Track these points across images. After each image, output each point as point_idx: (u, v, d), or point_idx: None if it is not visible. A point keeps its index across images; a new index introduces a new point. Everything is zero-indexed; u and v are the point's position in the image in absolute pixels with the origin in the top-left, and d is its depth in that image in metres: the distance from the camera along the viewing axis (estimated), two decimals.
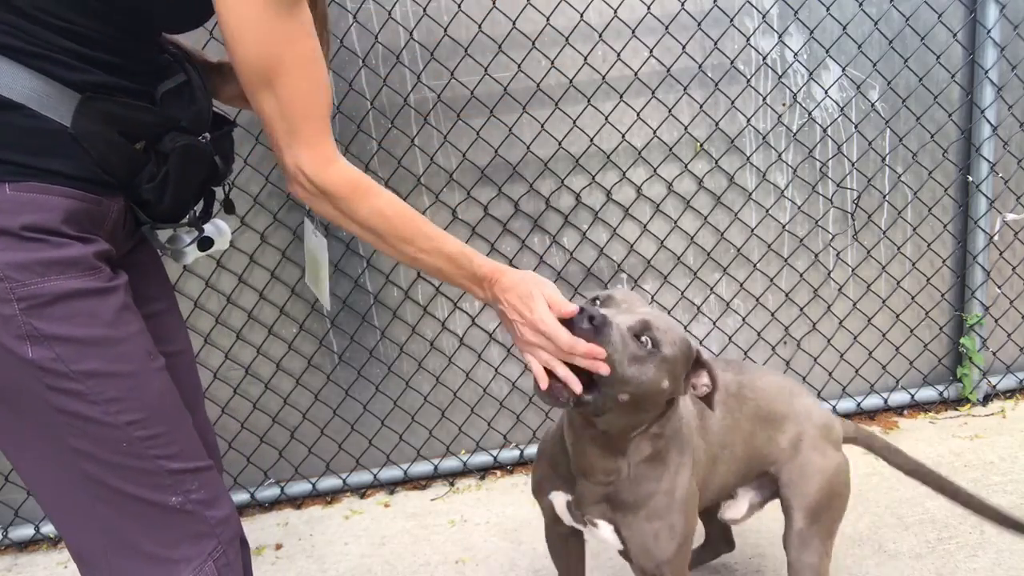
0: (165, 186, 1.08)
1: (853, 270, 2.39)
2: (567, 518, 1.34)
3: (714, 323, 2.37)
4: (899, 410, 2.47)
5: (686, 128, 2.20)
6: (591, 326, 1.09)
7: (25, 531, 2.26)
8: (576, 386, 1.10)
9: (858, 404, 2.45)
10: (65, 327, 0.97)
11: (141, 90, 1.05)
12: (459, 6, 2.04)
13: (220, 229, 1.26)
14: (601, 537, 1.30)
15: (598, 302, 1.23)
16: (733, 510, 1.51)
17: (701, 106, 2.19)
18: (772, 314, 2.39)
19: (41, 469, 1.04)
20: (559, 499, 1.33)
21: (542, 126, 2.15)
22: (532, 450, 2.38)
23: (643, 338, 1.14)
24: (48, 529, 2.27)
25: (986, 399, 2.49)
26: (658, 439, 1.24)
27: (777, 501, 1.50)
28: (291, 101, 1.04)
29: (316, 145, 1.08)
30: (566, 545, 1.51)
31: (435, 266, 1.16)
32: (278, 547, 2.13)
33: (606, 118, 2.16)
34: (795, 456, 1.47)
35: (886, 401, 2.46)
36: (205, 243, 1.22)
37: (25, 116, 0.96)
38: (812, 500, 1.45)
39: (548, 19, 2.05)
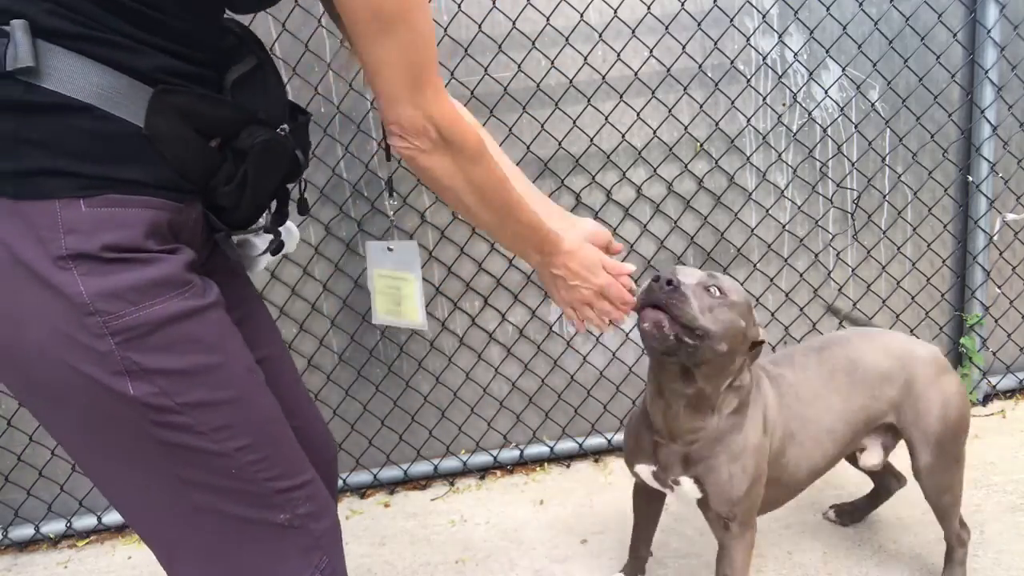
0: (244, 188, 0.98)
1: (853, 270, 2.39)
2: (653, 484, 1.50)
3: None
4: None
5: (686, 128, 2.20)
6: (670, 287, 1.24)
7: (25, 531, 2.26)
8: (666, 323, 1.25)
9: None
10: (166, 358, 0.90)
11: (208, 78, 0.94)
12: (459, 6, 2.04)
13: (290, 231, 1.15)
14: (683, 493, 1.45)
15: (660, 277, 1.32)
16: (869, 458, 1.64)
17: (701, 106, 2.19)
18: (772, 314, 2.39)
19: (144, 503, 0.98)
20: (645, 470, 1.49)
21: (542, 126, 2.15)
22: (532, 450, 2.38)
23: (710, 288, 1.30)
24: (48, 529, 2.27)
25: (986, 399, 2.49)
26: (741, 390, 1.40)
27: None
28: (415, 45, 0.94)
29: (442, 92, 0.99)
30: (648, 503, 1.72)
31: (518, 233, 1.14)
32: None
33: (606, 118, 2.16)
34: (908, 398, 1.56)
35: None
36: (278, 248, 1.12)
37: (94, 119, 0.86)
38: (934, 434, 1.56)
39: (548, 19, 2.05)
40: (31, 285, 0.85)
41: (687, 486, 1.43)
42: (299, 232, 1.16)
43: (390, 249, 1.20)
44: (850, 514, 1.96)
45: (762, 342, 1.42)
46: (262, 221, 1.08)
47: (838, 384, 1.55)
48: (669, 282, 1.25)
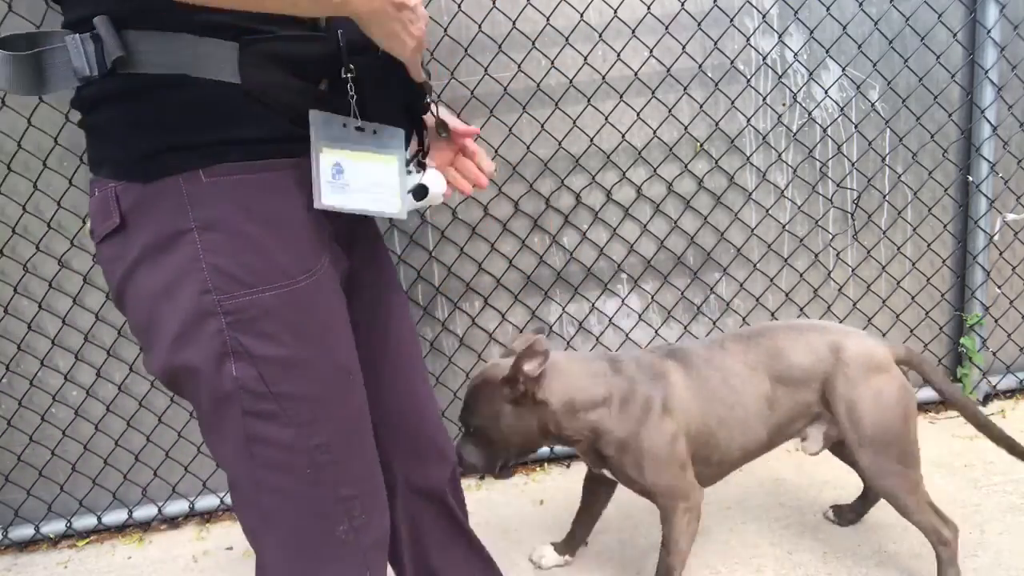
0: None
1: (853, 270, 2.39)
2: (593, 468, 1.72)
3: (714, 323, 2.37)
4: None
5: (686, 128, 2.20)
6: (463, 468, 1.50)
7: (25, 531, 2.26)
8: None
9: None
10: (270, 345, 0.92)
11: (301, 17, 0.91)
12: (459, 6, 2.04)
13: (435, 178, 1.10)
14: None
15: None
16: (807, 447, 1.69)
17: (701, 106, 2.19)
18: (772, 314, 2.39)
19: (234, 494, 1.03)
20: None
21: (542, 126, 2.15)
22: None
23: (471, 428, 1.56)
24: (48, 529, 2.27)
25: (986, 399, 2.49)
26: (585, 409, 1.55)
27: None
28: None
29: None
30: (594, 487, 1.87)
31: None
32: None
33: (606, 118, 2.16)
34: (832, 395, 1.59)
35: None
36: (420, 192, 1.07)
37: (186, 88, 0.87)
38: (868, 435, 1.57)
39: (548, 19, 2.05)
40: (166, 262, 0.89)
41: (608, 475, 1.66)
42: (445, 184, 1.11)
43: (359, 129, 0.98)
44: (848, 514, 1.96)
45: (528, 380, 1.51)
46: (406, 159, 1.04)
47: (763, 374, 1.61)
48: (460, 463, 1.51)
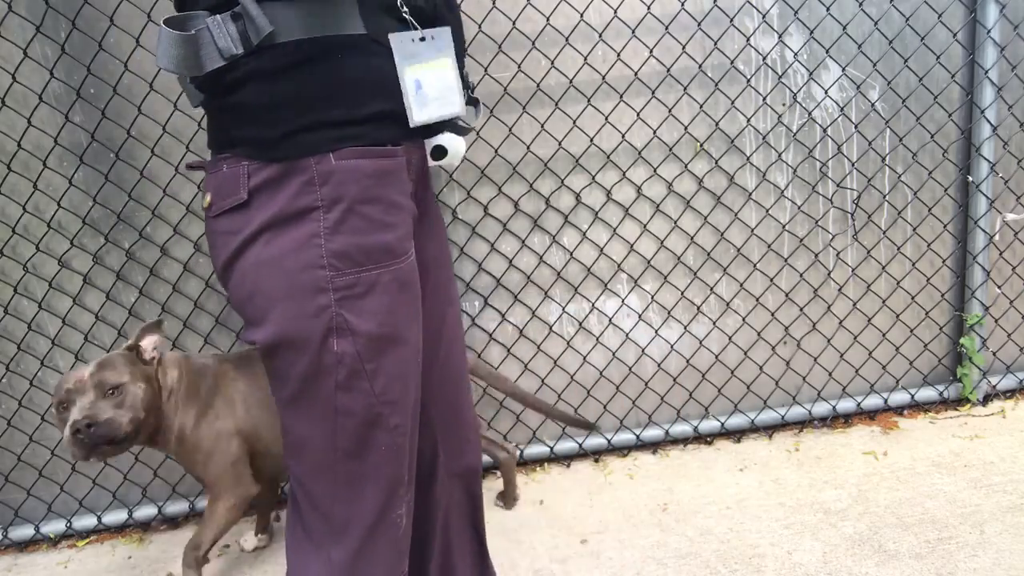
0: None
1: (853, 270, 2.39)
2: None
3: (714, 323, 2.37)
4: (899, 410, 2.47)
5: (686, 128, 2.20)
6: (91, 429, 1.57)
7: (25, 531, 2.26)
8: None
9: (858, 404, 2.45)
10: (371, 322, 0.97)
11: None
12: (459, 6, 2.04)
13: (451, 141, 1.17)
14: None
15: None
16: None
17: (701, 106, 2.19)
18: (772, 314, 2.39)
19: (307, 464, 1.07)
20: None
21: (542, 126, 2.15)
22: (532, 450, 2.38)
23: (108, 391, 1.63)
24: (48, 529, 2.27)
25: (986, 399, 2.49)
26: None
27: None
28: None
29: None
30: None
31: None
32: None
33: (606, 118, 2.16)
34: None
35: (886, 401, 2.46)
36: (439, 152, 1.15)
37: (321, 66, 0.95)
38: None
39: (548, 19, 2.05)
40: (286, 237, 0.95)
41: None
42: (464, 147, 1.19)
43: (422, 39, 1.10)
44: (502, 496, 2.18)
45: (150, 360, 1.74)
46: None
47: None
48: (89, 426, 1.55)
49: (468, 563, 1.40)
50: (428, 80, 1.08)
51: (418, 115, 1.05)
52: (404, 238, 1.01)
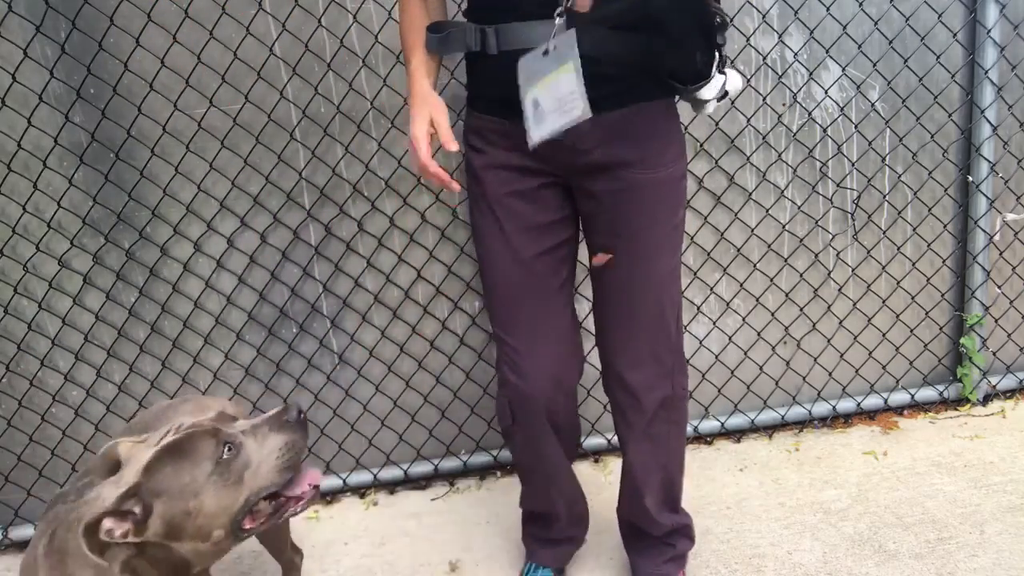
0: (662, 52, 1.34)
1: (853, 270, 2.39)
2: None
3: (714, 323, 2.37)
4: (899, 410, 2.47)
5: (686, 128, 2.19)
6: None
7: (25, 531, 2.26)
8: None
9: (858, 404, 2.45)
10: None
11: None
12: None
13: (732, 79, 1.40)
14: None
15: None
16: None
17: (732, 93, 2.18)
18: (772, 314, 2.38)
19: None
20: None
21: None
22: None
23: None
24: None
25: (986, 399, 2.49)
26: None
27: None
28: None
29: None
30: None
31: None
32: None
33: None
34: None
35: (886, 401, 2.46)
36: (723, 95, 1.39)
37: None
38: None
39: None
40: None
41: None
42: (742, 83, 1.44)
43: (546, 53, 1.17)
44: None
45: None
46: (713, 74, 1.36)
47: None
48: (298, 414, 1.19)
49: None
50: (544, 97, 1.21)
51: (536, 135, 1.21)
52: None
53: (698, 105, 1.42)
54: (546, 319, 1.52)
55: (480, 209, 1.50)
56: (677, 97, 1.44)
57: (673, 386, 1.58)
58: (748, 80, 2.19)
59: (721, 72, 1.37)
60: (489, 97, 1.43)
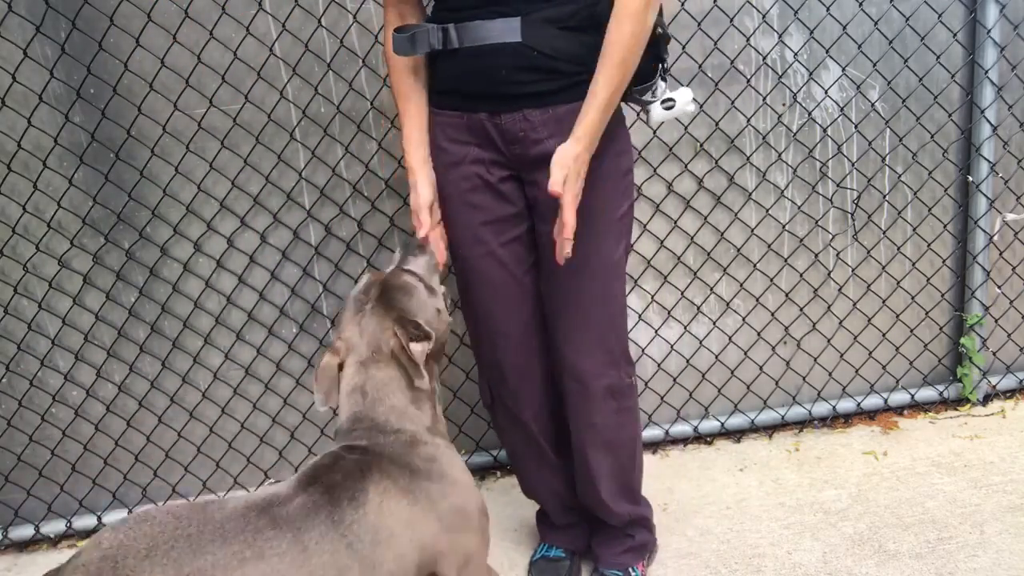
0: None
1: (853, 270, 2.39)
2: None
3: (714, 323, 2.37)
4: (899, 410, 2.47)
5: (686, 128, 2.20)
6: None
7: (25, 531, 2.26)
8: None
9: (858, 404, 2.45)
10: None
11: None
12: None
13: (682, 94, 1.54)
14: None
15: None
16: None
17: (701, 106, 2.19)
18: (772, 314, 2.38)
19: None
20: None
21: None
22: None
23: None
24: (48, 529, 2.27)
25: (986, 399, 2.49)
26: None
27: None
28: None
29: None
30: None
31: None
32: None
33: None
34: None
35: (886, 401, 2.46)
36: (668, 103, 1.52)
37: None
38: None
39: None
40: None
41: None
42: (692, 103, 1.55)
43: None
44: None
45: None
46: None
47: None
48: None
49: None
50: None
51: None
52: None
53: (644, 109, 1.55)
54: (516, 301, 1.63)
55: (450, 206, 1.59)
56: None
57: (619, 374, 1.65)
58: (748, 80, 2.19)
59: (662, 79, 1.52)
60: (451, 92, 1.51)
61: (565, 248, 1.39)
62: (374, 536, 1.17)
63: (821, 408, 2.44)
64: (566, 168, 1.36)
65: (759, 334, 2.39)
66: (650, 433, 2.39)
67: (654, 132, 2.19)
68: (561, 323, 1.61)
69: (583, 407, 1.66)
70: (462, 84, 1.47)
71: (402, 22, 1.51)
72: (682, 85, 1.55)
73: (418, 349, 1.34)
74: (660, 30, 1.46)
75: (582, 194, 1.41)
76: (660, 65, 1.51)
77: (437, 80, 1.53)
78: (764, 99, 2.21)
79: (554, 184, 1.35)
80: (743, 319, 2.38)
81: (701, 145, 2.22)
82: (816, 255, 2.36)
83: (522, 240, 1.60)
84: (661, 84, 1.52)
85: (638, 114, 1.64)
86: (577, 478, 1.78)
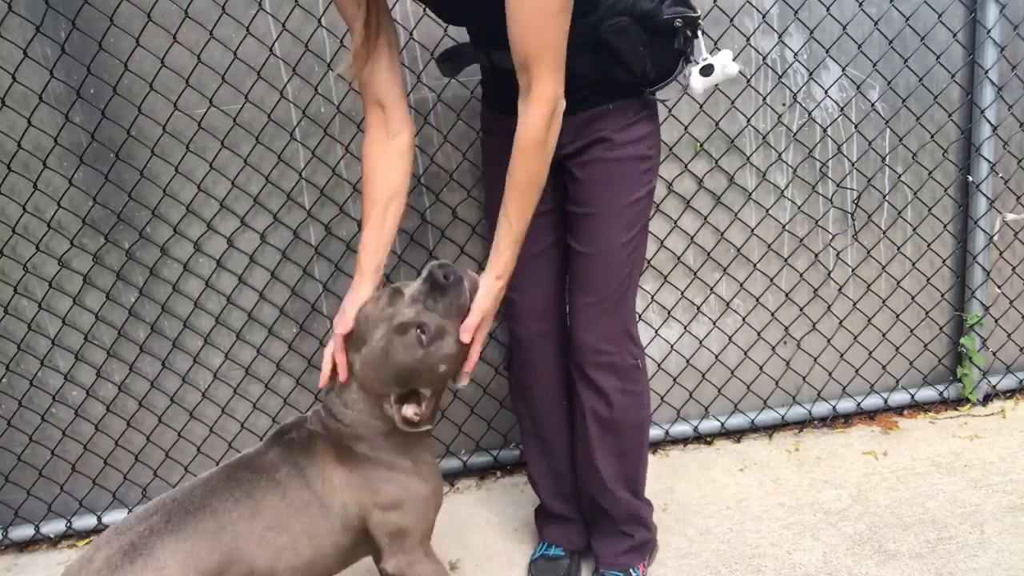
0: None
1: (853, 270, 2.39)
2: None
3: (714, 323, 2.37)
4: (899, 410, 2.47)
5: (686, 128, 2.20)
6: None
7: (25, 531, 2.26)
8: None
9: (858, 404, 2.45)
10: None
11: None
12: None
13: (722, 61, 1.52)
14: None
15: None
16: None
17: (701, 106, 2.19)
18: (772, 314, 2.38)
19: None
20: None
21: None
22: None
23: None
24: (48, 529, 2.27)
25: (986, 399, 2.49)
26: None
27: None
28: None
29: None
30: None
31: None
32: None
33: None
34: None
35: (886, 401, 2.46)
36: (707, 69, 1.52)
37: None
38: None
39: None
40: None
41: None
42: (734, 64, 1.52)
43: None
44: None
45: None
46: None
47: None
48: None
49: None
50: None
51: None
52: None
53: (684, 81, 1.58)
54: (531, 272, 1.69)
55: (489, 177, 1.77)
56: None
57: (622, 352, 1.70)
58: (748, 80, 2.18)
59: (690, 62, 1.54)
60: (490, 99, 1.73)
61: (462, 380, 1.50)
62: (323, 482, 1.42)
63: (821, 408, 2.44)
64: (483, 312, 1.44)
65: (759, 334, 2.39)
66: (650, 433, 2.38)
67: (700, 106, 2.19)
68: (571, 299, 1.71)
69: (585, 382, 1.71)
70: (496, 93, 1.66)
71: (385, 122, 1.59)
72: (721, 50, 1.54)
73: (409, 412, 1.43)
74: (679, 21, 1.49)
75: (599, 178, 1.58)
76: (683, 57, 1.55)
77: (483, 85, 1.77)
78: (764, 99, 2.21)
79: (468, 328, 1.43)
80: (743, 319, 2.38)
81: (701, 145, 2.22)
82: (816, 255, 2.36)
83: (550, 215, 1.67)
84: (698, 44, 1.52)
85: (685, 89, 1.66)
86: (579, 459, 1.81)
